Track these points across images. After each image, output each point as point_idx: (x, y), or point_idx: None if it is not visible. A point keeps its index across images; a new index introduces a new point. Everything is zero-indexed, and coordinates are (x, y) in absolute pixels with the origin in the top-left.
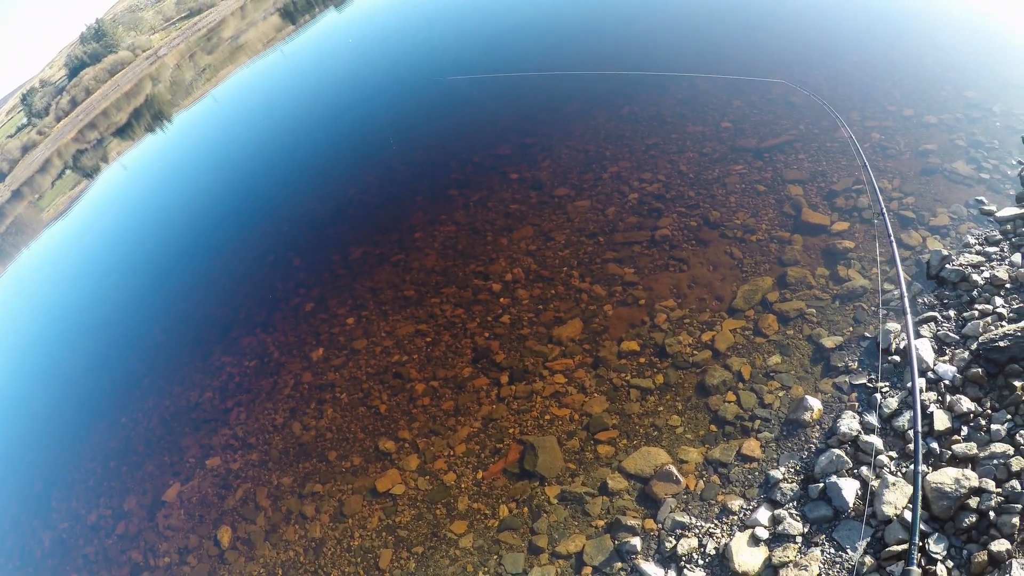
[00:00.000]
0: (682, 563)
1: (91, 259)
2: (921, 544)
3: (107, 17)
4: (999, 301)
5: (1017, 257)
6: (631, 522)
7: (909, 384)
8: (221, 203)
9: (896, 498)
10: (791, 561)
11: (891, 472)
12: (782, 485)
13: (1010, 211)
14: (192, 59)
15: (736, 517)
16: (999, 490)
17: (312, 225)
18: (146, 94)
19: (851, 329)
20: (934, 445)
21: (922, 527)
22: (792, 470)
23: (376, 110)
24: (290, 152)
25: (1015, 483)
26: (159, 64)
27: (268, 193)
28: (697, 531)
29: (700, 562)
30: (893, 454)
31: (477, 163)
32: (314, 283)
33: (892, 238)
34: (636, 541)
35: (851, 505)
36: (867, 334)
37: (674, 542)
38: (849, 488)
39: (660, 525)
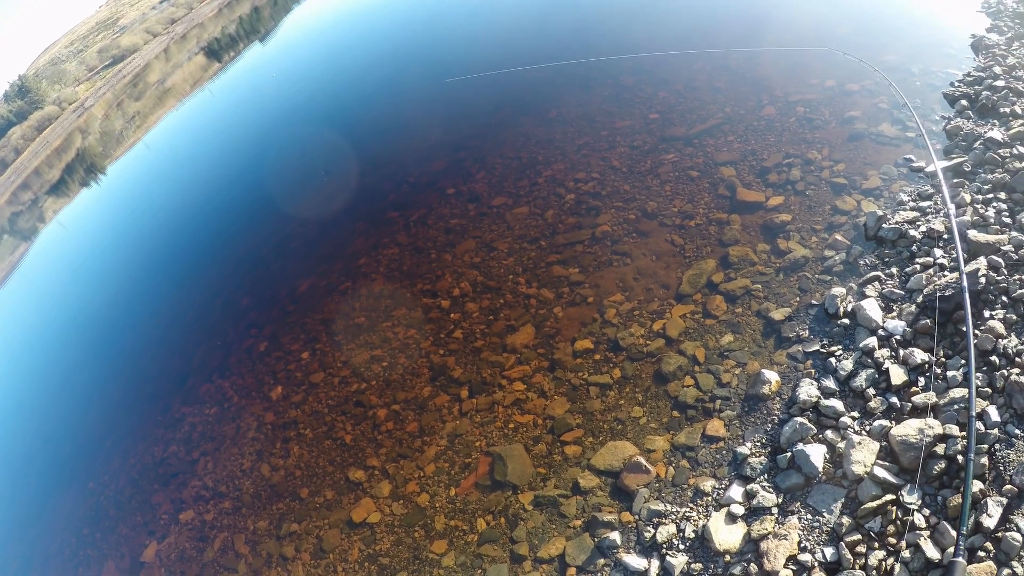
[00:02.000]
0: (663, 550)
1: (37, 325)
2: (895, 498)
3: (29, 72)
4: (939, 252)
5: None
6: (608, 517)
7: (862, 344)
8: (164, 250)
9: (864, 456)
10: (770, 532)
11: (855, 432)
12: (751, 460)
13: (940, 164)
14: (120, 107)
15: (710, 498)
16: (963, 434)
17: (256, 263)
18: (77, 148)
19: (798, 299)
20: (894, 399)
21: (893, 480)
22: (758, 444)
23: (307, 139)
24: (227, 192)
25: (978, 425)
26: (87, 115)
27: (209, 236)
28: (674, 517)
29: (681, 547)
30: (855, 414)
31: (412, 182)
32: (265, 321)
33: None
34: (615, 535)
35: (821, 469)
36: (814, 301)
37: (653, 531)
38: (816, 453)
39: (637, 516)
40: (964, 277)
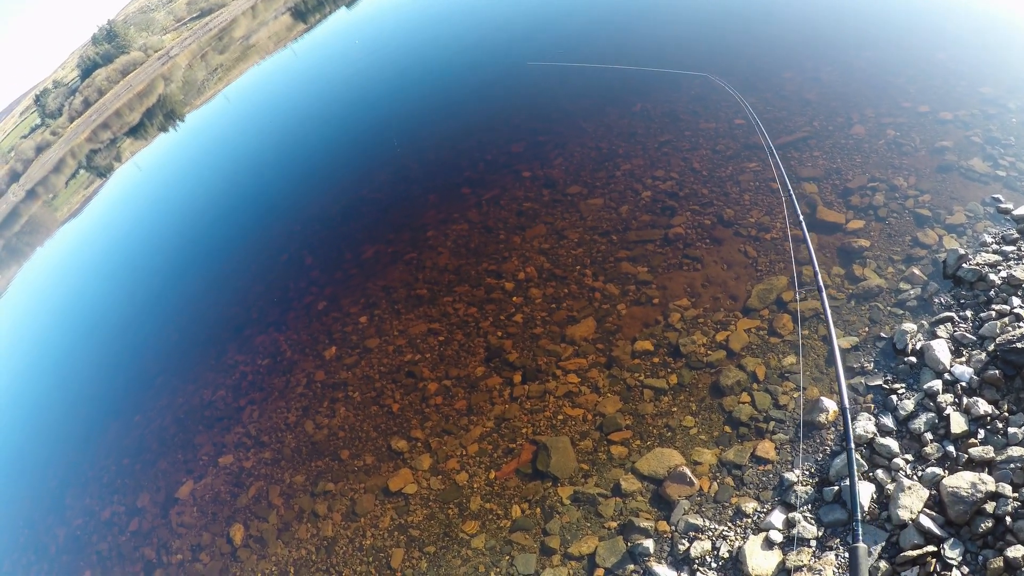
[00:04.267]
0: (695, 566)
1: (105, 259)
2: (936, 550)
3: (119, 18)
4: (1016, 301)
5: None
6: (644, 524)
7: (926, 386)
8: (234, 203)
9: (911, 502)
10: (805, 565)
11: (907, 475)
12: (796, 488)
13: None
14: (204, 59)
15: (750, 520)
16: (1016, 495)
17: (324, 224)
18: (158, 94)
19: (867, 329)
20: (951, 448)
21: (938, 531)
22: (807, 473)
23: (387, 108)
24: (302, 152)
25: None
26: (171, 64)
27: (281, 192)
28: (710, 534)
29: (713, 565)
30: (909, 457)
31: (489, 161)
32: (326, 282)
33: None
34: (649, 543)
35: (866, 509)
36: (883, 334)
37: (687, 544)
38: (864, 491)
39: (673, 527)
40: None
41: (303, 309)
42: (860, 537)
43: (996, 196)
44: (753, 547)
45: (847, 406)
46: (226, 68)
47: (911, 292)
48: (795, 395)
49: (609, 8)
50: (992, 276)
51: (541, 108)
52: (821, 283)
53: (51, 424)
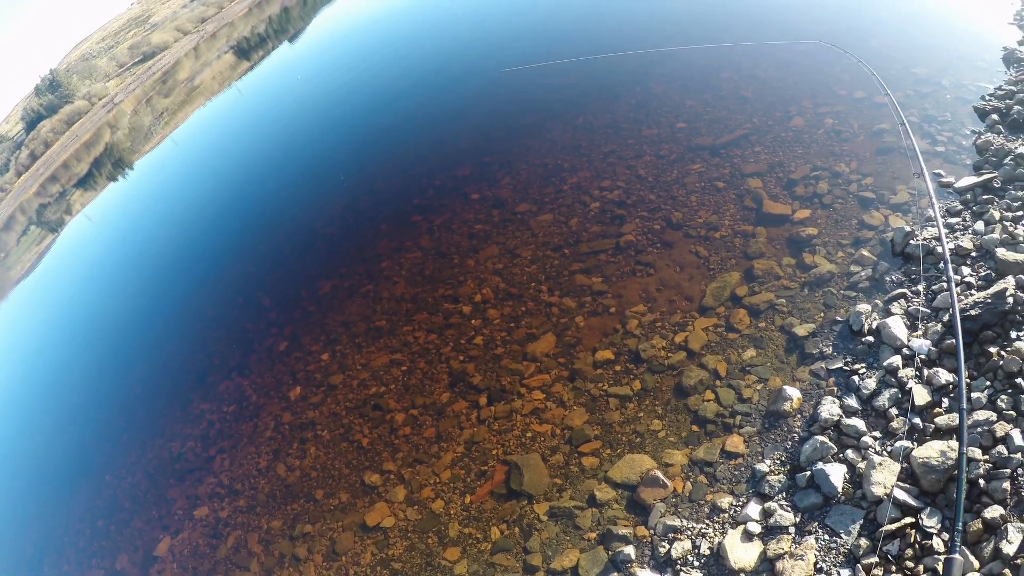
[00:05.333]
0: (678, 566)
1: (61, 314)
2: (914, 521)
3: (61, 67)
4: (966, 270)
5: (980, 225)
6: (623, 531)
7: (886, 363)
8: (187, 247)
9: (884, 477)
10: (786, 552)
11: (876, 452)
12: (769, 478)
13: (968, 180)
14: (149, 103)
15: (727, 515)
16: (986, 457)
17: (278, 263)
18: (105, 142)
19: (822, 315)
20: (917, 420)
21: (913, 503)
22: (778, 461)
23: (333, 141)
24: (252, 190)
25: (1001, 448)
26: (116, 111)
27: (233, 233)
28: (690, 533)
29: (696, 564)
30: (877, 434)
31: (438, 186)
32: (285, 321)
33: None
34: (630, 549)
35: (840, 490)
36: (838, 318)
37: (668, 546)
38: (836, 473)
39: (652, 531)
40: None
41: (264, 351)
42: (956, 549)
43: (937, 171)
44: (733, 541)
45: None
46: (172, 112)
47: (862, 274)
48: (758, 387)
49: (528, 31)
50: (940, 249)
51: (485, 129)
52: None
53: (21, 490)
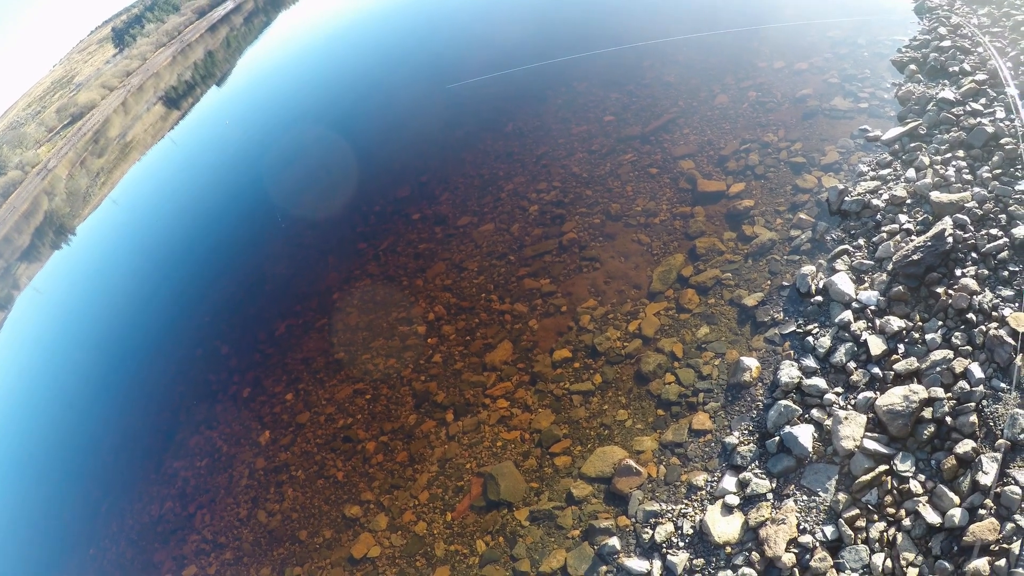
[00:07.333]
0: (664, 550)
1: (22, 394)
2: (888, 468)
3: None
4: (903, 218)
5: (911, 172)
6: (604, 524)
7: (837, 319)
8: (139, 306)
9: (852, 430)
10: (767, 519)
11: (840, 407)
12: (740, 449)
13: (895, 131)
14: (83, 165)
15: (704, 491)
16: (949, 395)
17: (232, 309)
18: (44, 211)
19: (769, 283)
20: (876, 370)
21: (884, 450)
22: (746, 432)
23: (272, 179)
24: (197, 240)
25: (963, 383)
26: (51, 177)
27: (183, 285)
28: (670, 515)
29: (681, 544)
30: (839, 390)
31: (379, 211)
32: (246, 367)
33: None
34: (614, 541)
35: (811, 449)
36: (785, 283)
37: (651, 532)
38: (805, 434)
39: (633, 519)
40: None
41: (229, 400)
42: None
43: (863, 127)
44: (714, 516)
45: None
46: (108, 171)
47: (803, 236)
48: (716, 362)
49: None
50: (875, 201)
51: (419, 149)
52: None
53: None
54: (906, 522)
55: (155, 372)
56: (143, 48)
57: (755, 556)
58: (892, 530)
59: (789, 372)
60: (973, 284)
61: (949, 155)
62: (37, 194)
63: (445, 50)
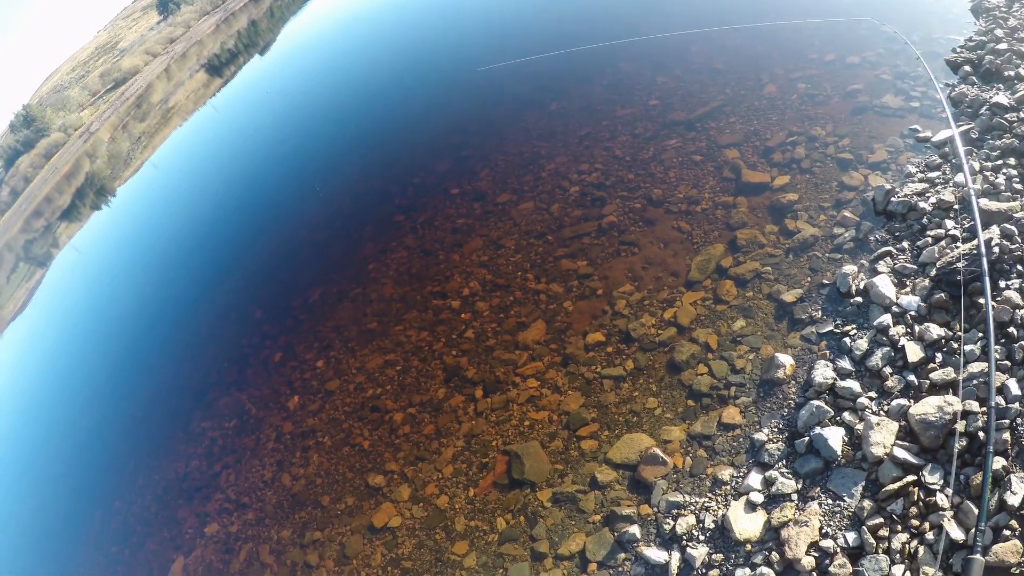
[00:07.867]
0: (684, 542)
1: (58, 348)
2: (916, 479)
3: (33, 101)
4: (950, 223)
5: (960, 177)
6: (626, 511)
7: (876, 322)
8: (175, 267)
9: (883, 437)
10: (790, 519)
11: (873, 412)
12: (768, 446)
13: (946, 133)
14: (125, 129)
15: (729, 487)
16: (983, 409)
17: (267, 275)
18: (86, 172)
19: (809, 279)
20: (911, 377)
21: (914, 460)
22: (775, 430)
23: (313, 149)
24: (234, 207)
25: (999, 399)
26: (93, 140)
27: (219, 249)
28: (693, 507)
29: (701, 538)
30: (872, 394)
31: (418, 184)
32: (278, 332)
33: None
34: (635, 529)
35: (840, 453)
36: (825, 281)
37: (672, 523)
38: (835, 436)
39: (655, 509)
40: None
41: (260, 364)
42: (978, 550)
43: (914, 127)
44: (737, 512)
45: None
46: (149, 135)
47: (846, 235)
48: (750, 357)
49: (500, 33)
50: (922, 204)
51: (461, 125)
52: None
53: (32, 524)
54: (929, 536)
55: (188, 332)
56: (187, 16)
57: (775, 556)
58: (915, 542)
59: (823, 372)
60: (1017, 298)
61: (1000, 162)
62: (79, 156)
63: (498, 29)
